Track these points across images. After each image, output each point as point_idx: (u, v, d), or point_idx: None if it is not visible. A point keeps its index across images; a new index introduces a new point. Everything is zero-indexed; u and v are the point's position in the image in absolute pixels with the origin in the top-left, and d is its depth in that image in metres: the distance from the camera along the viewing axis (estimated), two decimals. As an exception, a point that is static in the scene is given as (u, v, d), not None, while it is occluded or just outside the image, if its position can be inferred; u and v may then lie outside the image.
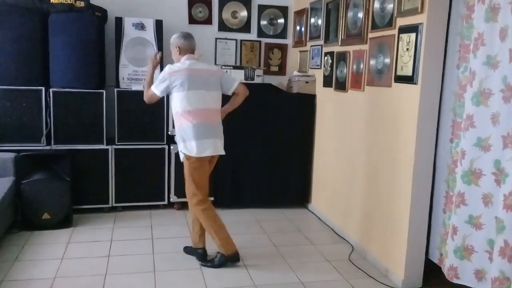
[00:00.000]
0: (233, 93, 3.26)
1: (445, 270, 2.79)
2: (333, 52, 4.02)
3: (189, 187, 3.14)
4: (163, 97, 3.26)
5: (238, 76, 4.37)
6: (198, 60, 3.15)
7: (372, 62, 3.37)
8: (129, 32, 4.15)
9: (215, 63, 4.83)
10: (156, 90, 3.06)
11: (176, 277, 3.04)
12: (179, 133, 3.08)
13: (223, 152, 3.20)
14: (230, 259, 3.19)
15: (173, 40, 3.16)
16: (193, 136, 3.01)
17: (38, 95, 3.89)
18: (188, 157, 3.07)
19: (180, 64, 3.08)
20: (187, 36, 3.15)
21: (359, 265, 3.31)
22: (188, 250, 3.38)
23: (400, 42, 3.02)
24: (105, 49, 4.45)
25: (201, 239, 3.27)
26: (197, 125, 3.02)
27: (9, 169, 3.70)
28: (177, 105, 3.05)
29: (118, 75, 4.16)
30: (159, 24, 4.22)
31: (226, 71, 4.00)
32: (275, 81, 4.93)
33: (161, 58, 3.32)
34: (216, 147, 3.12)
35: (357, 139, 3.65)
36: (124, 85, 4.18)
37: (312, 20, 4.50)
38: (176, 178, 4.28)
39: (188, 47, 3.13)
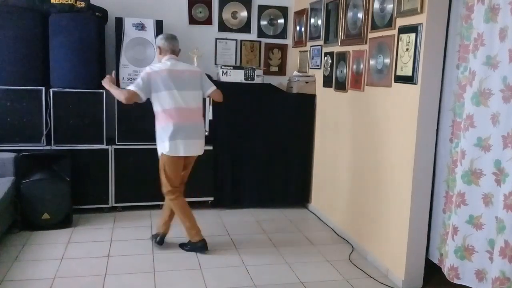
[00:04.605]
0: (209, 97, 3.46)
1: (445, 270, 2.79)
2: (333, 52, 4.02)
3: (161, 179, 3.34)
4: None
5: (238, 76, 4.39)
6: (178, 61, 3.29)
7: (372, 62, 3.38)
8: (129, 32, 4.15)
9: (215, 63, 4.84)
10: (136, 87, 3.12)
11: (176, 277, 3.04)
12: (158, 133, 3.26)
13: (198, 153, 3.35)
14: (195, 247, 3.38)
15: (156, 41, 3.36)
16: (169, 136, 3.17)
17: (38, 95, 3.89)
18: (162, 154, 3.25)
19: (161, 64, 3.24)
20: (169, 38, 3.30)
21: (359, 265, 3.31)
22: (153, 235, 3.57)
23: (399, 42, 3.02)
24: (105, 49, 4.45)
25: (165, 226, 3.48)
26: (175, 124, 3.17)
27: (9, 169, 3.70)
28: (158, 105, 3.20)
29: (119, 75, 4.16)
30: (159, 25, 4.22)
31: (223, 69, 4.04)
32: (275, 81, 4.93)
33: (117, 76, 3.54)
34: (190, 148, 3.26)
35: (356, 139, 3.65)
36: (124, 85, 4.13)
37: (312, 20, 4.50)
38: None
39: (168, 48, 3.27)
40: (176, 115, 3.17)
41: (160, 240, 3.46)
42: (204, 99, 3.47)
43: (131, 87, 3.13)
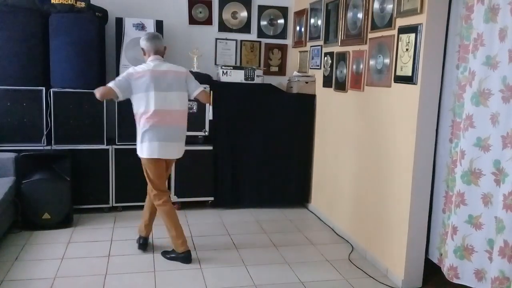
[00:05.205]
0: (196, 99, 3.33)
1: (444, 270, 2.80)
2: (332, 52, 4.02)
3: (148, 182, 3.26)
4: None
5: (238, 76, 4.39)
6: (164, 61, 3.18)
7: (372, 62, 3.38)
8: (129, 32, 4.15)
9: (215, 63, 4.85)
10: (113, 84, 3.02)
11: (176, 277, 3.04)
12: (138, 134, 3.13)
13: (176, 156, 3.24)
14: (178, 257, 3.23)
15: (140, 42, 3.22)
16: (144, 138, 3.07)
17: (39, 95, 3.90)
18: (140, 156, 3.17)
19: (145, 65, 3.13)
20: (151, 38, 3.18)
21: (359, 265, 3.32)
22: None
23: (399, 43, 3.03)
24: (106, 49, 4.46)
25: (146, 229, 3.44)
26: (152, 126, 3.05)
27: (10, 169, 3.71)
28: (139, 106, 3.08)
29: (119, 76, 4.16)
30: (159, 25, 4.23)
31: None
32: (275, 81, 4.93)
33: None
34: (167, 151, 3.13)
35: (356, 139, 3.65)
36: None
37: (312, 20, 4.50)
38: (176, 178, 4.29)
39: (151, 48, 3.15)
40: (155, 117, 3.03)
41: (143, 243, 3.41)
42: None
43: (111, 84, 3.03)
